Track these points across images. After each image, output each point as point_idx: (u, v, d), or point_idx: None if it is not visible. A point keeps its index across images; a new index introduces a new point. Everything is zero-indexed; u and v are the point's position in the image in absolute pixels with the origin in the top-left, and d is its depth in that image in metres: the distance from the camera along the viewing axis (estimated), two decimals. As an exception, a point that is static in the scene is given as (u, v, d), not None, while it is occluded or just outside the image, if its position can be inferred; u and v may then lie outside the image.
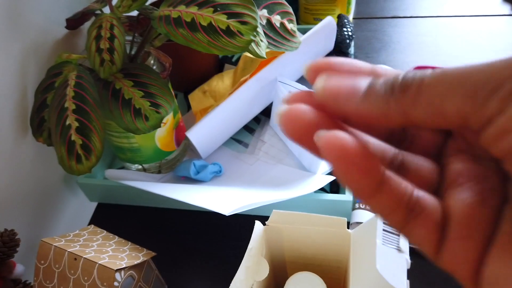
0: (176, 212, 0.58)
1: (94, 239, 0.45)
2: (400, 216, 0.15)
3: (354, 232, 0.32)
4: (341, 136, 0.14)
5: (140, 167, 0.59)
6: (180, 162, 0.61)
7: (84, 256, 0.39)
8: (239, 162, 0.60)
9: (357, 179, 0.14)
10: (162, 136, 0.56)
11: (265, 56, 0.47)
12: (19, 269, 0.44)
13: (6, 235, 0.41)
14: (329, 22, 0.60)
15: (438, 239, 0.14)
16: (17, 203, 0.51)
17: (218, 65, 0.75)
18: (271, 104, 0.63)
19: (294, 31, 0.55)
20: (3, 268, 0.42)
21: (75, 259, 0.40)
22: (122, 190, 0.57)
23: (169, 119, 0.55)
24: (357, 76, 0.15)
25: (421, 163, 0.17)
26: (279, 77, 0.59)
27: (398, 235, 0.25)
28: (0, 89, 0.48)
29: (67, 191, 0.61)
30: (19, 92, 0.51)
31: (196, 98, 0.67)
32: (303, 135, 0.15)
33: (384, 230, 0.25)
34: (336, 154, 0.14)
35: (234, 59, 0.77)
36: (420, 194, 0.15)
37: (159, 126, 0.45)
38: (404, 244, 0.25)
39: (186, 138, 0.61)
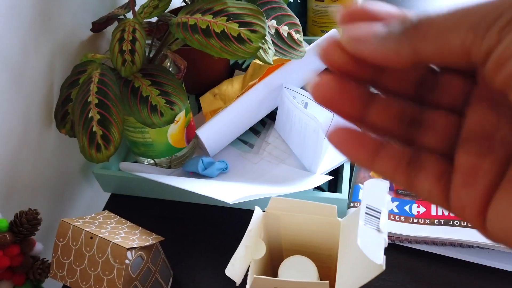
0: (184, 205, 0.62)
1: (108, 222, 0.49)
2: (402, 176, 0.17)
3: (343, 220, 0.36)
4: (340, 128, 0.17)
5: (152, 161, 0.64)
6: (189, 159, 0.65)
7: (99, 235, 0.43)
8: (244, 161, 0.64)
9: (354, 155, 0.17)
10: (174, 133, 0.60)
11: (272, 63, 0.52)
12: (38, 247, 0.49)
13: (30, 213, 0.45)
14: (333, 34, 0.65)
15: (443, 189, 0.16)
16: (39, 188, 0.56)
17: (229, 71, 0.79)
18: (276, 108, 0.67)
19: (300, 41, 0.59)
20: (24, 245, 0.46)
21: (91, 237, 0.44)
22: (134, 182, 0.61)
23: (181, 118, 0.60)
24: (387, 21, 0.16)
25: (441, 118, 0.17)
26: (285, 83, 0.63)
27: (379, 218, 0.29)
28: (30, 84, 0.53)
29: (83, 181, 0.65)
30: (46, 87, 0.56)
31: (206, 100, 0.72)
32: (329, 102, 0.17)
33: (366, 213, 0.29)
34: (335, 140, 0.17)
35: (244, 66, 0.81)
36: (424, 152, 0.17)
37: (173, 122, 0.49)
38: (384, 225, 0.29)
39: (196, 137, 0.65)
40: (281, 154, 0.64)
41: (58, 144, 0.59)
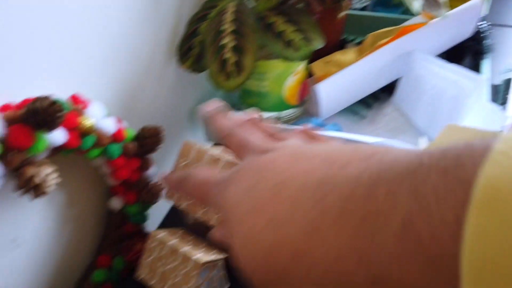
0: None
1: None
2: None
3: None
4: None
5: (259, 116, 0.61)
6: (296, 120, 0.62)
7: (225, 159, 0.41)
8: (358, 129, 0.60)
9: None
10: (291, 86, 0.57)
11: (419, 12, 0.47)
12: (152, 169, 0.47)
13: (156, 128, 0.44)
14: (475, 4, 0.59)
15: None
16: (152, 118, 0.55)
17: (340, 45, 0.76)
18: (396, 80, 0.62)
19: (443, 3, 0.54)
20: (144, 161, 0.45)
21: (216, 160, 0.41)
22: (242, 132, 0.58)
23: (300, 70, 0.57)
24: None
25: None
26: (416, 50, 0.58)
27: None
28: (160, 18, 0.52)
29: (189, 126, 0.64)
30: (173, 22, 0.55)
31: (317, 66, 0.68)
32: None
33: None
34: None
35: (356, 41, 0.77)
36: None
37: (308, 57, 0.46)
38: None
39: (306, 102, 0.62)
40: (401, 126, 0.59)
41: (175, 82, 0.58)
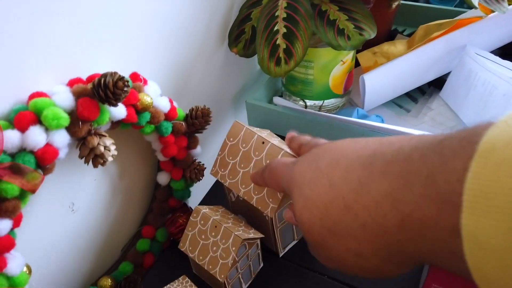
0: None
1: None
2: None
3: None
4: None
5: (302, 103, 0.61)
6: (339, 110, 0.62)
7: (271, 142, 0.42)
8: (402, 122, 0.59)
9: None
10: (336, 75, 0.57)
11: (477, 6, 0.46)
12: (198, 149, 0.49)
13: (205, 110, 0.45)
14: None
15: None
16: (199, 99, 0.57)
17: (389, 36, 0.74)
18: (446, 74, 0.61)
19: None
20: (191, 140, 0.47)
21: (263, 142, 0.42)
22: (285, 118, 0.59)
23: (348, 60, 0.57)
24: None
25: None
26: (469, 45, 0.56)
27: None
28: (214, 2, 0.53)
29: (232, 109, 0.65)
30: (227, 6, 0.56)
31: (364, 56, 0.68)
32: None
33: None
34: None
35: (406, 33, 0.76)
36: None
37: (360, 47, 0.46)
38: None
39: (349, 93, 0.62)
40: (446, 121, 0.57)
41: (223, 66, 0.59)
